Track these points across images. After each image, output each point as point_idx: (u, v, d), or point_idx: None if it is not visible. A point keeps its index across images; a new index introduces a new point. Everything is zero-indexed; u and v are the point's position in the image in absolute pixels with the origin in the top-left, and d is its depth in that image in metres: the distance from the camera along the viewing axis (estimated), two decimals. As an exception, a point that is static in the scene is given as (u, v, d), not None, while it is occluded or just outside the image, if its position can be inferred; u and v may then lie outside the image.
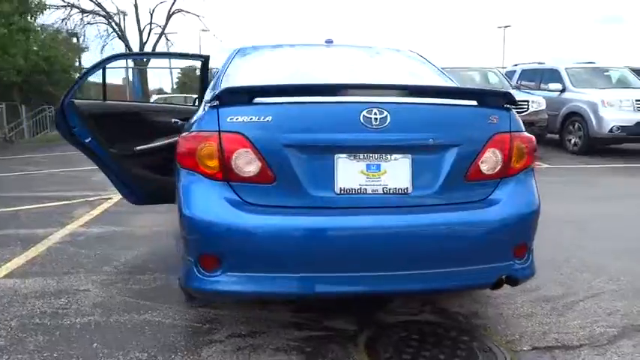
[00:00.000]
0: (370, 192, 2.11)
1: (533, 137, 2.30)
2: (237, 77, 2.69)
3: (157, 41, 16.38)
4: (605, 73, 9.86)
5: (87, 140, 3.51)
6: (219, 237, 2.05)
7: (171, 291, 3.01)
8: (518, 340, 2.44)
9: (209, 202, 2.09)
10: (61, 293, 3.01)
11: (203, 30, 36.38)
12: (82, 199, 5.74)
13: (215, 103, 2.11)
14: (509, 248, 2.18)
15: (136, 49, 15.73)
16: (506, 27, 34.63)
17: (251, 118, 2.06)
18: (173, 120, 3.66)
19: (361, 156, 2.10)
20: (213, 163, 2.08)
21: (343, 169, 2.10)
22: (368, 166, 2.11)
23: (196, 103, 3.97)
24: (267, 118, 2.06)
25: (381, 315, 2.68)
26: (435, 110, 2.18)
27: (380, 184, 2.11)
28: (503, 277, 2.18)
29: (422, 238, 2.08)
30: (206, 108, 2.19)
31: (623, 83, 9.78)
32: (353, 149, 2.10)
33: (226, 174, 2.08)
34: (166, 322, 2.63)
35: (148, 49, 16.00)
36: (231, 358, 2.27)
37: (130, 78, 16.03)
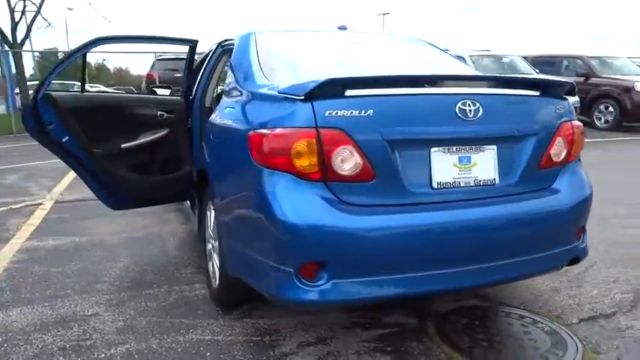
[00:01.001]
0: (463, 185, 2.09)
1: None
2: (282, 66, 2.51)
3: (33, 21, 14.43)
4: (502, 60, 10.83)
5: (64, 139, 3.00)
6: (324, 242, 1.90)
7: (196, 304, 2.74)
8: (564, 315, 2.62)
9: (309, 204, 1.92)
10: (67, 322, 2.56)
11: (68, 8, 33.21)
12: (4, 207, 4.91)
13: (301, 96, 1.92)
14: (575, 230, 2.32)
15: (7, 31, 13.69)
16: (385, 14, 36.33)
17: (351, 113, 1.92)
18: (159, 113, 3.30)
19: (454, 148, 2.08)
20: (312, 161, 1.91)
21: (438, 162, 2.05)
22: (460, 159, 2.09)
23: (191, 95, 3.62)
24: (367, 112, 1.93)
25: (429, 304, 2.70)
26: (518, 101, 2.22)
27: (471, 177, 2.11)
28: (573, 258, 2.31)
29: (514, 228, 2.12)
30: (286, 101, 1.99)
31: (513, 69, 10.84)
32: (448, 142, 2.06)
33: (325, 173, 1.92)
34: (221, 340, 2.37)
35: (21, 29, 14.08)
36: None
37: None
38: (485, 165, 2.13)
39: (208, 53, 3.63)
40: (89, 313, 2.65)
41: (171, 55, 11.07)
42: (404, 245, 1.95)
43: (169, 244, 3.74)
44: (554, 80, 2.29)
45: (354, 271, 1.92)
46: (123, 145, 3.21)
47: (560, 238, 2.26)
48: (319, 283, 1.90)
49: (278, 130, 1.95)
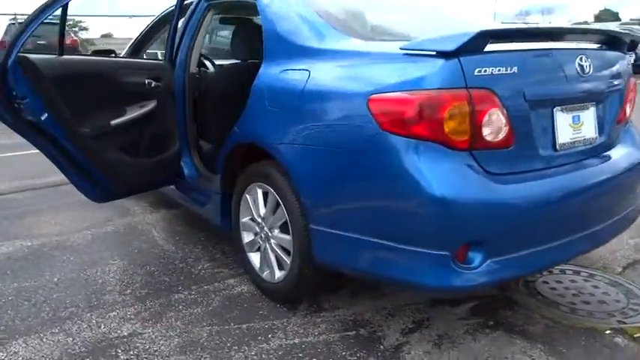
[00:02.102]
0: (575, 145, 2.01)
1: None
2: (350, 18, 2.16)
3: None
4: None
5: (43, 118, 2.29)
6: (481, 219, 1.68)
7: (249, 303, 2.35)
8: (606, 266, 2.75)
9: (461, 177, 1.67)
10: (105, 350, 2.00)
11: None
12: None
13: (445, 52, 1.64)
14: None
15: None
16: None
17: (499, 70, 1.70)
18: (146, 80, 2.72)
19: (570, 107, 1.97)
20: (463, 127, 1.66)
21: (560, 123, 1.94)
22: (573, 118, 2.00)
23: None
24: (512, 69, 1.73)
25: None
26: (611, 57, 2.17)
27: (581, 136, 2.03)
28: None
29: (619, 186, 2.11)
30: (420, 59, 1.69)
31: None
32: (567, 100, 1.95)
33: (473, 141, 1.69)
34: (314, 341, 2.04)
35: None
36: (443, 355, 1.95)
37: None
38: (589, 123, 2.07)
39: (186, 9, 3.06)
40: (125, 334, 2.11)
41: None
42: (549, 213, 1.82)
43: (155, 237, 3.17)
44: (633, 34, 2.29)
45: (509, 247, 1.75)
46: (113, 122, 2.57)
47: (637, 193, 2.32)
48: (475, 264, 1.69)
49: (423, 93, 1.65)
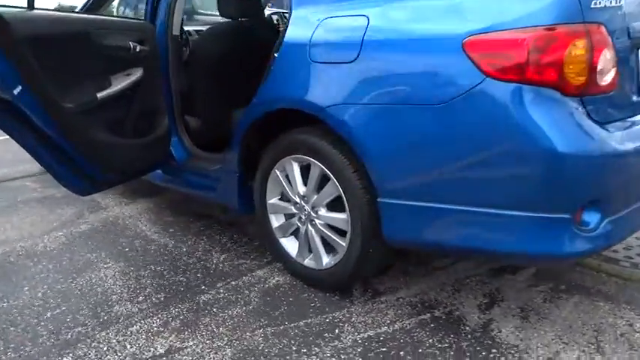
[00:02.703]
0: (651, 88, 1.86)
1: None
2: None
3: None
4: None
5: (15, 91, 1.78)
6: (600, 174, 1.47)
7: (294, 296, 2.03)
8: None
9: (578, 129, 1.44)
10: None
11: None
12: None
13: None
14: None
15: None
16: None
17: (610, 2, 1.47)
18: (131, 44, 2.27)
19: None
20: (581, 70, 1.42)
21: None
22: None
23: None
24: (620, 2, 1.51)
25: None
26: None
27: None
28: None
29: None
30: None
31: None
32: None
33: (587, 85, 1.46)
34: (393, 331, 1.77)
35: None
36: (536, 328, 1.75)
37: None
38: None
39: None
40: (162, 351, 1.72)
41: None
42: None
43: (145, 231, 2.71)
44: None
45: (621, 205, 1.55)
46: (99, 95, 2.09)
47: None
48: (593, 226, 1.49)
49: (537, 30, 1.39)
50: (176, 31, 2.61)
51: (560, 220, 1.45)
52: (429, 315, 1.86)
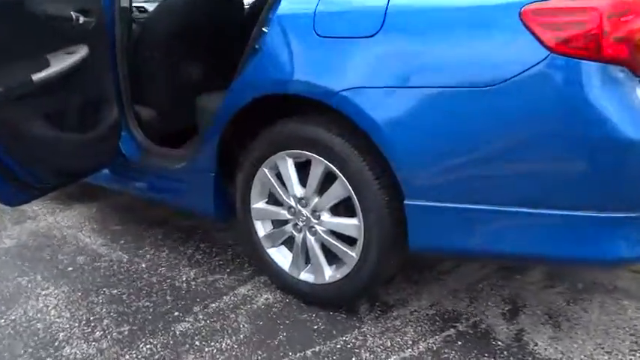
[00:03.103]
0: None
1: None
2: None
3: None
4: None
5: None
6: None
7: (281, 315, 1.72)
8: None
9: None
10: None
11: None
12: None
13: None
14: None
15: None
16: None
17: None
18: (73, 14, 1.85)
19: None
20: None
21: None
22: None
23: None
24: None
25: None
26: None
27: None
28: None
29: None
30: None
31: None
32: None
33: None
34: (425, 349, 1.51)
35: None
36: (572, 336, 1.57)
37: None
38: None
39: None
40: None
41: None
42: None
43: (89, 244, 2.24)
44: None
45: None
46: (35, 77, 1.62)
47: None
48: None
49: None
50: (125, 2, 2.17)
51: (629, 220, 1.26)
52: (452, 330, 1.63)
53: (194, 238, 2.30)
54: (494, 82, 1.26)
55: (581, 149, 1.22)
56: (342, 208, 1.65)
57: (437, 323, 1.66)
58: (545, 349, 1.54)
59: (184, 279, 1.97)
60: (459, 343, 1.57)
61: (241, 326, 1.67)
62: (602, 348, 1.54)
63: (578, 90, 1.20)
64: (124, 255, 2.17)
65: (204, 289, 1.89)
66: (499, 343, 1.57)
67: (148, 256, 2.15)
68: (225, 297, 1.84)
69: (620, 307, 1.74)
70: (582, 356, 1.50)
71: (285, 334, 1.63)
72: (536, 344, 1.56)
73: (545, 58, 1.20)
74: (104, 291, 1.90)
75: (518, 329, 1.63)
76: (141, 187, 2.28)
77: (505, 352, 1.52)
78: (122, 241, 2.29)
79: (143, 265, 2.08)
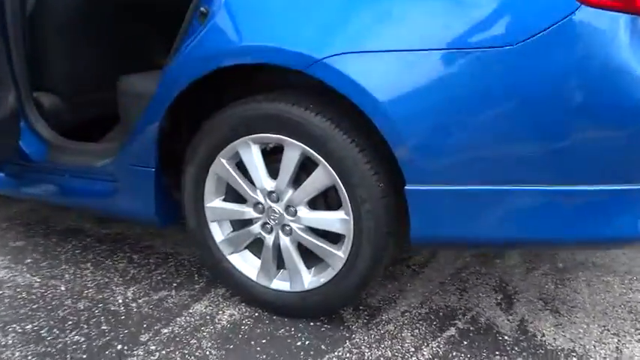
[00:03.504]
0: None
1: None
2: None
3: None
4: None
5: None
6: None
7: (253, 334, 1.44)
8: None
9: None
10: None
11: None
12: None
13: None
14: None
15: None
16: None
17: None
18: None
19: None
20: None
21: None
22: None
23: None
24: None
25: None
26: None
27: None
28: None
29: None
30: None
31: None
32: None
33: None
34: (431, 356, 1.30)
35: None
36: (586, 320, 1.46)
37: None
38: None
39: None
40: None
41: None
42: None
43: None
44: None
45: None
46: None
47: None
48: None
49: None
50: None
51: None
52: (453, 329, 1.45)
53: (122, 249, 1.91)
54: (515, 40, 1.07)
55: (618, 116, 1.07)
56: (320, 202, 1.40)
57: (434, 323, 1.47)
58: (554, 338, 1.41)
59: (120, 301, 1.59)
60: (465, 342, 1.39)
61: (208, 353, 1.35)
62: (608, 330, 1.44)
63: (611, 48, 1.05)
64: (34, 278, 1.73)
65: (150, 310, 1.54)
66: (505, 337, 1.41)
67: (67, 276, 1.74)
68: (178, 319, 1.50)
69: (607, 284, 1.67)
70: (594, 342, 1.39)
71: (264, 356, 1.34)
72: (543, 334, 1.42)
73: (576, 10, 1.03)
74: (13, 328, 1.47)
75: (519, 320, 1.48)
76: (49, 191, 1.86)
77: (516, 348, 1.37)
78: (28, 260, 1.84)
79: (62, 289, 1.66)
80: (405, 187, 1.22)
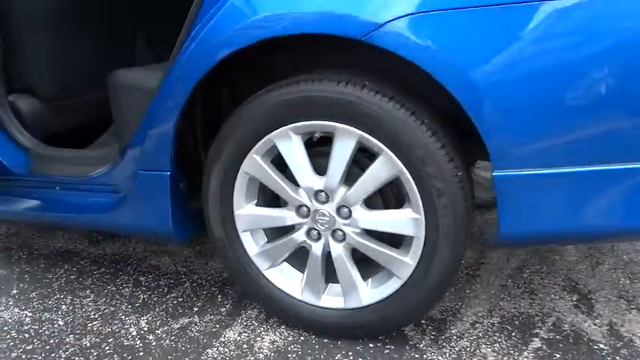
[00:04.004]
0: None
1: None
2: None
3: None
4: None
5: None
6: None
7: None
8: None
9: None
10: None
11: None
12: None
13: None
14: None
15: None
16: None
17: None
18: None
19: None
20: None
21: None
22: None
23: None
24: None
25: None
26: None
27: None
28: None
29: None
30: None
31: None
32: None
33: None
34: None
35: None
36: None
37: None
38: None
39: None
40: None
41: None
42: None
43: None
44: None
45: None
46: None
47: None
48: None
49: None
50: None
51: None
52: (537, 340, 1.24)
53: (125, 271, 1.64)
54: None
55: None
56: (376, 200, 1.17)
57: (513, 334, 1.26)
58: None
59: (135, 333, 1.32)
60: (557, 356, 1.18)
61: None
62: None
63: None
64: (24, 312, 1.44)
65: (173, 343, 1.28)
66: (601, 346, 1.21)
67: (64, 307, 1.45)
68: (209, 350, 1.24)
69: (631, 271, 1.51)
70: (700, 344, 1.21)
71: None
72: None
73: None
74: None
75: (606, 323, 1.29)
76: (34, 208, 1.57)
77: (618, 358, 1.17)
78: (14, 291, 1.55)
79: (60, 323, 1.38)
80: (494, 174, 1.00)
